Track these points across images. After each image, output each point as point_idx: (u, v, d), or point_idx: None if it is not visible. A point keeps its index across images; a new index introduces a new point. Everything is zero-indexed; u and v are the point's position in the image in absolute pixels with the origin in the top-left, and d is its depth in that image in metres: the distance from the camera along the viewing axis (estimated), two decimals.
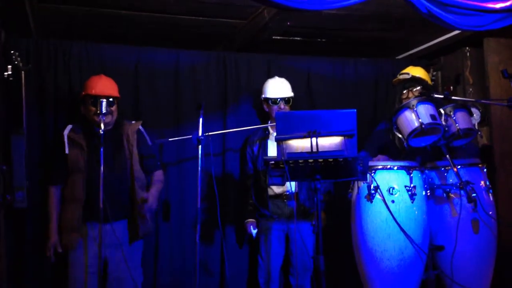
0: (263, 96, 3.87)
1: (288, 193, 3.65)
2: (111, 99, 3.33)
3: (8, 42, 3.51)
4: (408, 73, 3.75)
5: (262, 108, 3.94)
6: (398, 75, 3.83)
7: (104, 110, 3.06)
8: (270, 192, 3.70)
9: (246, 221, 3.78)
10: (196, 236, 3.12)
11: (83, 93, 3.37)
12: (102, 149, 3.02)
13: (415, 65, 4.05)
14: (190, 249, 3.45)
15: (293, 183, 3.61)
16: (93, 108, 3.28)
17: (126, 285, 3.30)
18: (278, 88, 3.84)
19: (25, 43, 3.70)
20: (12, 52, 3.31)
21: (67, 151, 3.26)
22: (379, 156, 3.52)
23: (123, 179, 3.33)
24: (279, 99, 3.80)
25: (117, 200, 3.23)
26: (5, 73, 3.29)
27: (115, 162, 3.31)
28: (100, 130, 3.05)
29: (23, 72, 3.35)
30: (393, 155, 3.47)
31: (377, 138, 3.73)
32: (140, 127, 3.51)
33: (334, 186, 3.90)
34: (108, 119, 3.29)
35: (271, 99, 3.81)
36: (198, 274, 3.12)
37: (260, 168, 3.75)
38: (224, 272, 3.72)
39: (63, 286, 3.31)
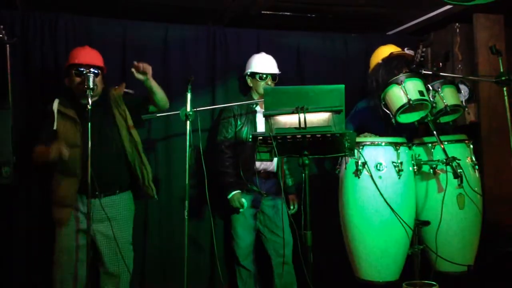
0: (249, 70, 3.82)
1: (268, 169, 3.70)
2: (96, 71, 3.23)
3: None
4: (412, 51, 3.67)
5: (245, 82, 3.90)
6: (405, 50, 3.68)
7: (91, 85, 2.94)
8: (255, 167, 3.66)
9: (234, 192, 3.64)
10: (185, 212, 3.13)
11: (67, 64, 3.28)
12: (89, 124, 2.91)
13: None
14: (179, 224, 3.46)
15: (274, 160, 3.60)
16: (78, 78, 3.19)
17: (116, 261, 3.28)
18: (267, 64, 3.81)
19: (10, 15, 3.63)
20: None
21: (55, 127, 3.16)
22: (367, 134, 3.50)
23: (115, 151, 3.26)
24: (266, 75, 3.77)
25: (109, 173, 3.17)
26: None
27: (105, 135, 3.23)
28: (88, 105, 2.91)
29: (8, 45, 3.29)
30: (374, 133, 3.46)
31: (358, 116, 3.69)
32: (126, 89, 3.40)
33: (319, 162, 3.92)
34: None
35: (259, 74, 3.78)
36: (187, 249, 3.15)
37: (245, 141, 3.70)
38: (214, 247, 3.75)
39: (50, 263, 3.29)
